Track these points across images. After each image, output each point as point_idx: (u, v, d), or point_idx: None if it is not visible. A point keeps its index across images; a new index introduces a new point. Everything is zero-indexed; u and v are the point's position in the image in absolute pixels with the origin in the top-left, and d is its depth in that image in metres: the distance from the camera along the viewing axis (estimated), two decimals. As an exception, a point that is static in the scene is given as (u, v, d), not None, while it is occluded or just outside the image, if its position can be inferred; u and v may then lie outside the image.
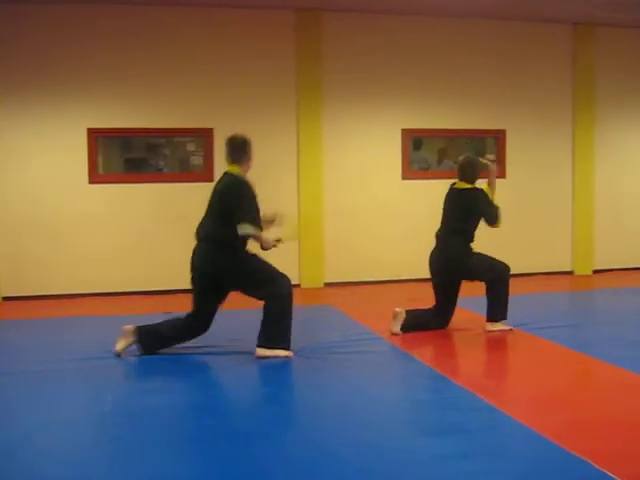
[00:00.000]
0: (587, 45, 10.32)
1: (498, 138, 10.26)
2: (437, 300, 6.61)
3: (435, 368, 5.15)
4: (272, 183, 9.53)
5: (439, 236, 6.64)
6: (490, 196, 6.50)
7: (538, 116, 10.33)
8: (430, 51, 9.85)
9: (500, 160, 10.25)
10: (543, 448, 3.54)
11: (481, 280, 6.58)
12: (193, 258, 5.63)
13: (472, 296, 8.21)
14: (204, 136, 9.31)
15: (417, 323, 6.50)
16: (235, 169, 5.69)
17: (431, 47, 9.85)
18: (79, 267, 8.98)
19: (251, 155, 5.76)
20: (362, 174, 9.76)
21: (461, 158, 6.68)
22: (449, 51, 9.91)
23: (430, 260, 6.61)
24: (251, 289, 5.63)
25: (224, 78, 9.26)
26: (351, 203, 9.73)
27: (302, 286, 9.59)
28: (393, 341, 6.17)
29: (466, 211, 6.50)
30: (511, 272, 6.51)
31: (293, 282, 9.39)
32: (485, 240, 9.92)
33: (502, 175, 10.23)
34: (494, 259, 6.57)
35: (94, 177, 9.04)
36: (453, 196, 6.63)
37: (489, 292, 6.55)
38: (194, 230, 5.68)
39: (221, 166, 9.14)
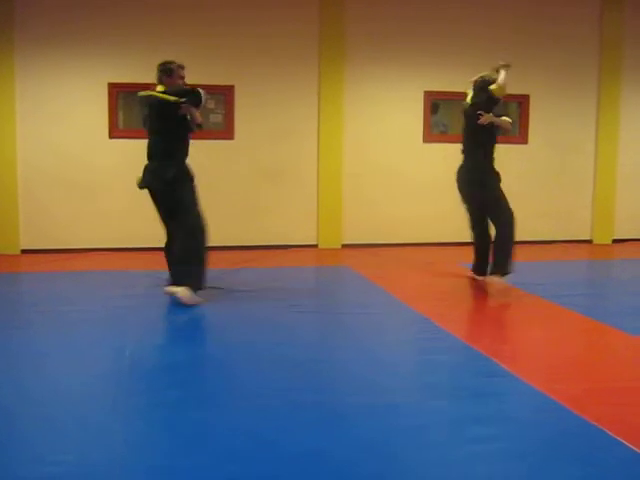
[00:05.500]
0: (616, 8, 10.09)
1: (521, 103, 10.12)
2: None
3: (451, 332, 5.13)
4: (292, 143, 9.51)
5: None
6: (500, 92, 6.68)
7: (563, 82, 10.16)
8: (452, 14, 9.66)
9: (523, 126, 10.15)
10: (558, 415, 3.53)
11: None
12: None
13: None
14: (225, 94, 9.25)
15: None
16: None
17: (454, 10, 9.67)
18: (98, 221, 9.02)
19: None
20: (382, 137, 9.68)
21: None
22: (472, 14, 9.71)
23: None
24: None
25: (246, 38, 9.16)
26: (371, 165, 9.67)
27: (320, 247, 9.61)
28: (409, 303, 6.16)
29: None
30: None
31: (311, 243, 9.56)
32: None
33: (524, 141, 10.14)
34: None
35: (114, 132, 9.03)
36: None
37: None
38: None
39: (241, 124, 9.25)
